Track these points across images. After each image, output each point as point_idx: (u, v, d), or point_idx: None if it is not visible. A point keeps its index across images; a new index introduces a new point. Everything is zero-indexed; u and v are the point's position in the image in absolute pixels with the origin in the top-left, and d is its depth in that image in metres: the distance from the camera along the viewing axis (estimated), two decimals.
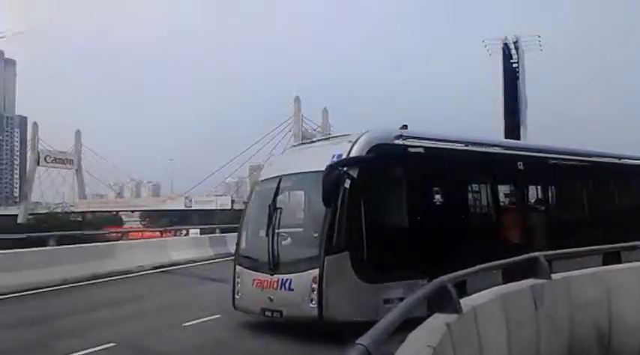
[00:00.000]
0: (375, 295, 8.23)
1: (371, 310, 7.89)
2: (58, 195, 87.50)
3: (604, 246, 8.76)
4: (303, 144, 10.17)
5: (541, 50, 59.58)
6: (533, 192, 12.58)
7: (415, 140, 9.56)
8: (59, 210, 69.84)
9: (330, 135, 9.59)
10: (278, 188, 9.14)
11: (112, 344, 8.00)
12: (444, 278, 4.76)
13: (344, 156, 8.63)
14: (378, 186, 8.86)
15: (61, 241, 19.70)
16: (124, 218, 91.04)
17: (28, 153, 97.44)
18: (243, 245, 9.90)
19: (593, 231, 11.68)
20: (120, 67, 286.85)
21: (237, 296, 9.39)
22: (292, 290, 8.37)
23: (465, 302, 4.72)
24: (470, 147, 10.79)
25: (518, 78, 58.68)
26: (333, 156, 8.63)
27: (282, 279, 8.48)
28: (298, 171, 9.41)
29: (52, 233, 22.84)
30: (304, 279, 8.24)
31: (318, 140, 10.01)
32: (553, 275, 6.26)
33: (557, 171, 12.63)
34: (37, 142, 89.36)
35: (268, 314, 8.57)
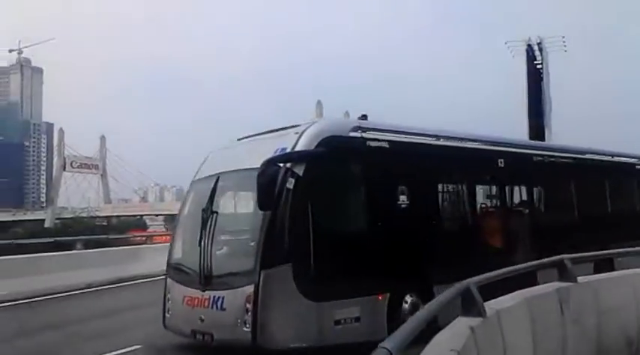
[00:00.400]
0: (323, 315, 7.13)
1: (318, 334, 7.10)
2: (83, 199, 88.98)
3: (629, 249, 8.55)
4: (249, 136, 8.79)
5: (565, 51, 58.74)
6: (517, 193, 11.38)
7: (376, 132, 8.30)
8: (84, 215, 70.85)
9: (281, 127, 8.35)
10: (214, 188, 7.81)
11: (137, 347, 8.10)
12: (469, 280, 4.70)
13: (289, 151, 7.43)
14: (329, 185, 7.59)
15: (87, 245, 20.07)
16: (148, 222, 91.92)
17: (55, 159, 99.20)
18: (174, 255, 8.66)
19: (583, 234, 10.80)
20: (141, 73, 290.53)
21: (167, 315, 8.19)
22: (224, 309, 7.20)
23: (490, 306, 4.67)
24: (443, 142, 9.55)
25: (542, 79, 57.93)
26: (276, 151, 7.40)
27: (214, 297, 7.30)
28: (237, 169, 8.05)
29: (79, 237, 23.31)
30: (237, 297, 7.04)
31: (266, 132, 8.63)
32: (579, 278, 6.16)
33: (544, 169, 11.40)
34: (63, 148, 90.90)
35: (199, 337, 7.46)
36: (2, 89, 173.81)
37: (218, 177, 7.95)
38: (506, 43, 59.63)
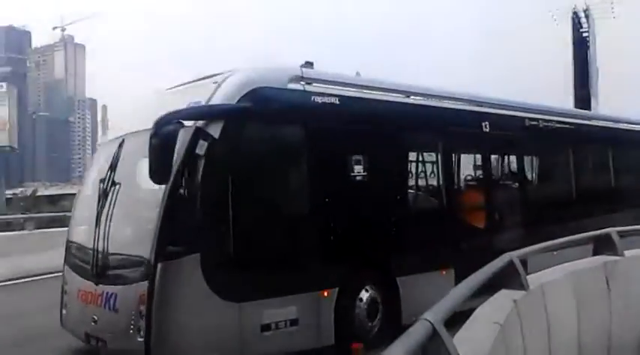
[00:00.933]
0: (245, 319, 5.52)
1: (238, 343, 5.53)
2: None
3: None
4: (180, 85, 7.06)
5: (614, 17, 56.58)
6: (505, 165, 9.65)
7: (325, 85, 6.62)
8: None
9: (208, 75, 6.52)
10: (118, 154, 6.20)
11: None
12: (512, 253, 4.66)
13: (203, 105, 5.77)
14: (256, 151, 5.95)
15: None
16: None
17: (99, 134, 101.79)
18: (71, 236, 6.98)
19: (582, 214, 9.20)
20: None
21: (63, 311, 6.63)
22: (117, 310, 5.59)
23: (532, 279, 4.63)
24: (413, 100, 7.74)
25: (588, 47, 56.13)
26: (188, 105, 5.82)
27: (107, 293, 5.69)
28: (143, 129, 5.85)
29: None
30: (130, 296, 5.43)
31: (190, 81, 6.87)
32: (626, 252, 6.04)
33: (538, 136, 9.40)
34: (107, 124, 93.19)
35: (93, 342, 5.90)
36: (47, 66, 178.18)
37: (123, 140, 6.33)
38: (549, 11, 57.85)
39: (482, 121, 8.35)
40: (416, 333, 2.56)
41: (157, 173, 5.25)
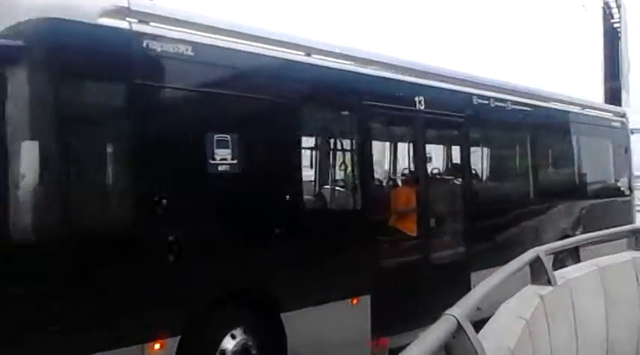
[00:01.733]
0: None
1: None
2: None
3: None
4: None
5: None
6: (444, 155, 7.97)
7: (172, 26, 4.29)
8: None
9: None
10: None
11: None
12: (539, 248, 4.61)
13: None
14: (32, 125, 3.69)
15: None
16: None
17: None
18: None
19: (538, 216, 7.89)
20: None
21: None
22: None
23: (560, 275, 4.58)
24: (315, 60, 5.41)
25: (620, 39, 55.02)
26: None
27: None
28: None
29: None
30: None
31: None
32: None
33: (487, 118, 7.36)
34: None
35: None
36: None
37: None
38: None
39: (416, 96, 6.22)
40: (439, 329, 2.51)
41: None
